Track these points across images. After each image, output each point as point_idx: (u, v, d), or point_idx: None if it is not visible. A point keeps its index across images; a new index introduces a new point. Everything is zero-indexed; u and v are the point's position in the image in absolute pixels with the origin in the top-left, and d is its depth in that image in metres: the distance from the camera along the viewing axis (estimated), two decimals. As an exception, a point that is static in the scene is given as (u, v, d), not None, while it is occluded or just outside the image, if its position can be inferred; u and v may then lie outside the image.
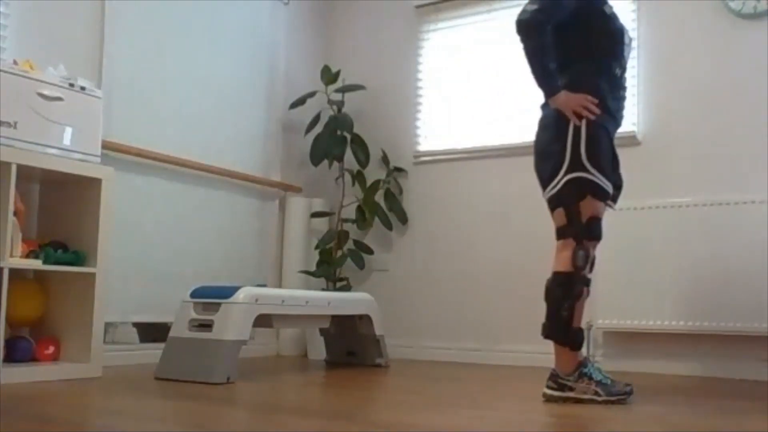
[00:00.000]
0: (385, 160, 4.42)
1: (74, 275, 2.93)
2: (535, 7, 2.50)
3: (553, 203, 2.56)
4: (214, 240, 3.99)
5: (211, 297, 2.97)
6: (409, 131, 4.50)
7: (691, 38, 3.72)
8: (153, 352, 3.39)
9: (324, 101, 4.39)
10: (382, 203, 4.38)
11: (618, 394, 2.46)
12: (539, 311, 2.58)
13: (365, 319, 3.66)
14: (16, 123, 2.70)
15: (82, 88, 2.95)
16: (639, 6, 3.86)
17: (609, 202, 2.62)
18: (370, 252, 4.39)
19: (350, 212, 4.40)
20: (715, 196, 3.50)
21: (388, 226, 4.37)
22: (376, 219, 4.36)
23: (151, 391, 2.57)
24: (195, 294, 3.03)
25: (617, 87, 2.65)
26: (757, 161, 3.50)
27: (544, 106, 2.66)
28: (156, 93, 3.71)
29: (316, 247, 4.32)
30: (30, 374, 2.70)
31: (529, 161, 2.70)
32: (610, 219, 2.87)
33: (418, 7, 4.53)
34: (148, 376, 2.96)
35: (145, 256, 3.60)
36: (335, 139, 4.33)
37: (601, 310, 3.61)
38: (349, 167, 4.42)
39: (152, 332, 3.73)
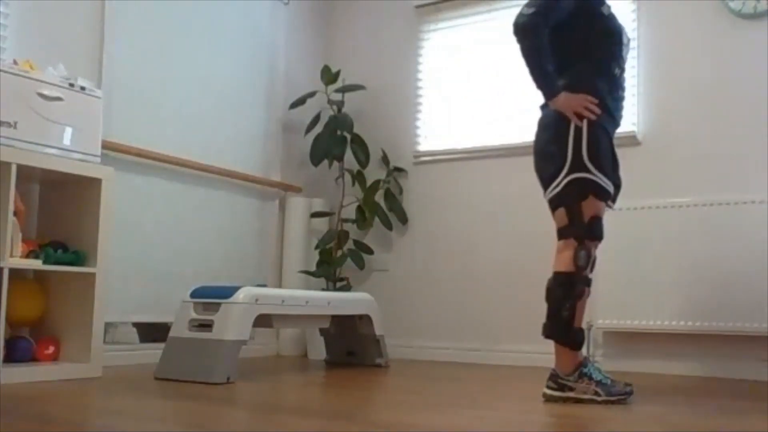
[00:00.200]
0: (385, 160, 4.42)
1: (74, 275, 2.93)
2: (531, 9, 2.50)
3: (555, 203, 2.56)
4: (214, 240, 3.99)
5: (211, 297, 2.97)
6: (409, 131, 4.50)
7: (691, 38, 3.72)
8: (153, 352, 3.39)
9: (324, 101, 4.39)
10: (382, 203, 4.38)
11: (618, 394, 2.46)
12: (539, 311, 2.58)
13: (365, 319, 3.66)
14: (16, 123, 2.70)
15: (82, 88, 2.96)
16: (639, 6, 3.86)
17: (609, 201, 2.62)
18: (370, 252, 4.39)
19: (350, 212, 4.40)
20: (715, 196, 3.50)
21: (388, 226, 4.37)
22: (376, 219, 4.36)
23: (151, 391, 2.57)
24: (195, 294, 3.03)
25: (616, 87, 2.65)
26: (757, 161, 3.50)
27: (543, 107, 2.66)
28: (156, 93, 3.71)
29: (316, 247, 4.32)
30: (30, 374, 2.70)
31: (529, 161, 2.70)
32: (610, 219, 2.86)
33: (418, 7, 4.52)
34: (148, 376, 2.95)
35: (145, 256, 3.60)
36: (335, 139, 4.33)
37: (601, 310, 3.61)
38: (349, 167, 4.42)
39: (152, 332, 3.73)
